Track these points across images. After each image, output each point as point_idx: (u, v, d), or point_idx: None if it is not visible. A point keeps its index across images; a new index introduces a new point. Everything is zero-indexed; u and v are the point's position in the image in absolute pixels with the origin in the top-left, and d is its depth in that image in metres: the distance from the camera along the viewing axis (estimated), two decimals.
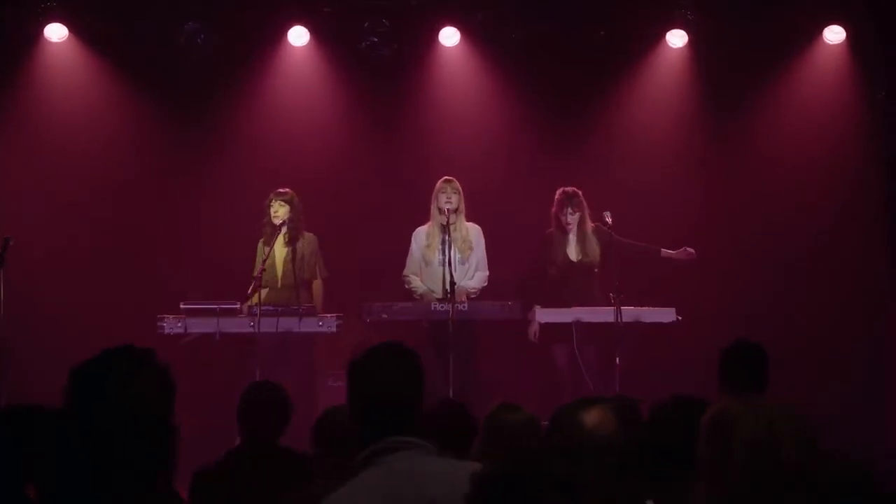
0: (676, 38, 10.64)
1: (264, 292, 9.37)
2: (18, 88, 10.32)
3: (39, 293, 9.90)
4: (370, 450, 3.39)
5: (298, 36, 10.53)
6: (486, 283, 9.59)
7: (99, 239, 10.22)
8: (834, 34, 10.63)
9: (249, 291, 9.08)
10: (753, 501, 3.44)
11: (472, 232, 9.60)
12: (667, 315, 9.29)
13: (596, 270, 9.64)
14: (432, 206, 9.50)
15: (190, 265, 9.87)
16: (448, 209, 9.36)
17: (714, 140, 10.73)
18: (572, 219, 9.64)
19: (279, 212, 9.50)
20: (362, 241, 10.31)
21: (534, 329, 9.52)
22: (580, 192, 9.62)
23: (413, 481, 3.27)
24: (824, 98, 10.66)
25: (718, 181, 10.69)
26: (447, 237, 9.30)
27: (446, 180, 9.49)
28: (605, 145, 10.67)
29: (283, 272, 9.55)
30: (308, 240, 9.67)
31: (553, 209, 9.69)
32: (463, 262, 9.50)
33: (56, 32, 10.33)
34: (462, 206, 9.52)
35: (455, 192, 9.45)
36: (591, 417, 3.21)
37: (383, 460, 3.35)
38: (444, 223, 9.31)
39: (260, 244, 9.60)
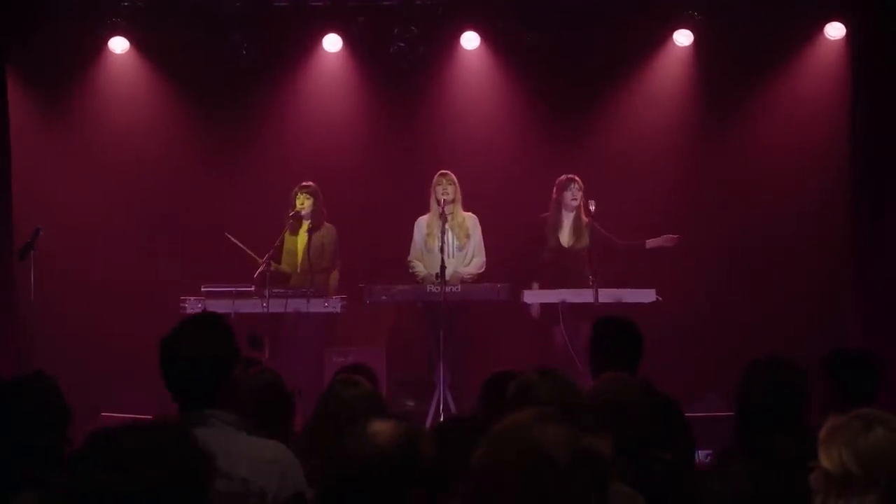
0: (683, 38, 11.12)
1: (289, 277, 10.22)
2: (85, 94, 11.28)
3: (79, 276, 10.67)
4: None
5: (332, 43, 11.24)
6: (482, 269, 10.14)
7: (135, 228, 10.99)
8: (835, 30, 10.98)
9: (255, 276, 9.67)
10: None
11: (469, 221, 10.14)
12: (647, 296, 9.72)
13: (586, 254, 10.10)
14: (431, 198, 10.09)
15: (213, 251, 10.45)
16: (444, 200, 9.89)
17: (716, 132, 11.16)
18: (577, 195, 10.12)
19: (305, 203, 10.20)
20: (379, 228, 10.92)
21: (535, 309, 10.14)
22: (578, 179, 10.16)
23: (221, 461, 3.02)
24: (823, 92, 10.99)
25: (719, 172, 11.13)
26: (445, 225, 9.82)
27: (442, 174, 10.05)
28: (613, 138, 11.22)
29: (302, 259, 10.23)
30: (328, 230, 10.35)
31: (554, 194, 10.20)
32: (460, 249, 10.07)
33: (119, 45, 11.23)
34: (458, 197, 10.06)
35: (451, 184, 9.99)
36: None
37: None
38: (441, 212, 9.82)
39: (286, 233, 10.21)
